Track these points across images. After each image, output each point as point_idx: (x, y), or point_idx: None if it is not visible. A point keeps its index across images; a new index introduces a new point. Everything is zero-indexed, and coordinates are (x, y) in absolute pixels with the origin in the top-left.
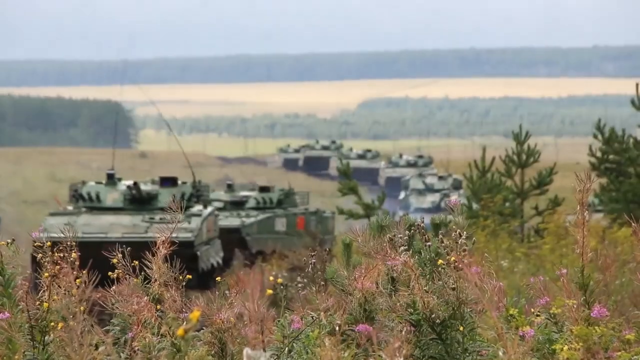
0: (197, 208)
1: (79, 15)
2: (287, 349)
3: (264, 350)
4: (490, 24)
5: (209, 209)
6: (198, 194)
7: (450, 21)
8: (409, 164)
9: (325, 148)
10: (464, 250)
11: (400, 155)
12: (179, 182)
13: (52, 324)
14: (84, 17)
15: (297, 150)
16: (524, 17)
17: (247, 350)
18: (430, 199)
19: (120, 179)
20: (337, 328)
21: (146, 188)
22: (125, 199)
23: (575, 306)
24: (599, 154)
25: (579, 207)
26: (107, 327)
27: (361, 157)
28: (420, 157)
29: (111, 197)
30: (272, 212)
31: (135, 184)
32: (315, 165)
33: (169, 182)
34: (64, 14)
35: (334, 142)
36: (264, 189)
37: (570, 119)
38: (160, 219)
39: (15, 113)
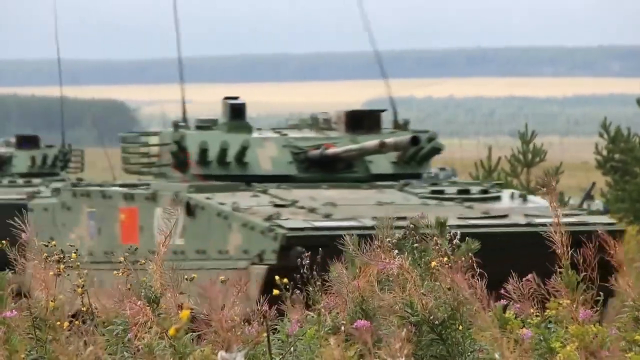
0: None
1: (84, 14)
2: (292, 348)
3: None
4: (495, 23)
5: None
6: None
7: (455, 20)
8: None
9: None
10: (457, 250)
11: None
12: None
13: (59, 322)
14: (88, 16)
15: None
16: (530, 16)
17: (221, 354)
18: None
19: None
20: (341, 328)
21: None
22: None
23: (575, 306)
24: (604, 153)
25: (550, 207)
26: (109, 327)
27: None
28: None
29: None
30: None
31: None
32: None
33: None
34: (69, 12)
35: None
36: None
37: (576, 118)
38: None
39: (21, 113)
